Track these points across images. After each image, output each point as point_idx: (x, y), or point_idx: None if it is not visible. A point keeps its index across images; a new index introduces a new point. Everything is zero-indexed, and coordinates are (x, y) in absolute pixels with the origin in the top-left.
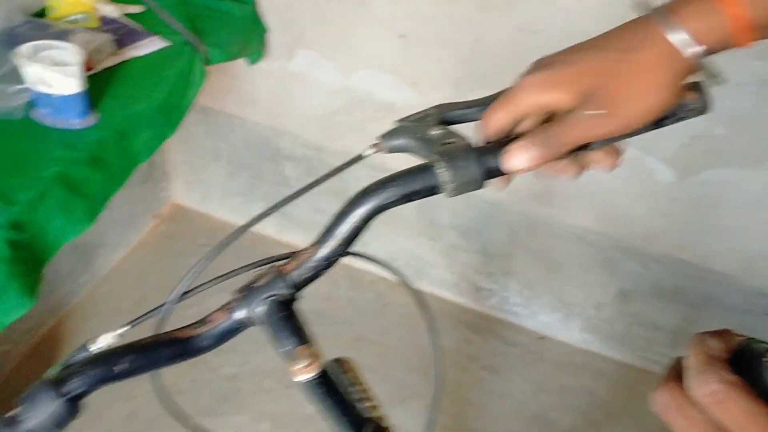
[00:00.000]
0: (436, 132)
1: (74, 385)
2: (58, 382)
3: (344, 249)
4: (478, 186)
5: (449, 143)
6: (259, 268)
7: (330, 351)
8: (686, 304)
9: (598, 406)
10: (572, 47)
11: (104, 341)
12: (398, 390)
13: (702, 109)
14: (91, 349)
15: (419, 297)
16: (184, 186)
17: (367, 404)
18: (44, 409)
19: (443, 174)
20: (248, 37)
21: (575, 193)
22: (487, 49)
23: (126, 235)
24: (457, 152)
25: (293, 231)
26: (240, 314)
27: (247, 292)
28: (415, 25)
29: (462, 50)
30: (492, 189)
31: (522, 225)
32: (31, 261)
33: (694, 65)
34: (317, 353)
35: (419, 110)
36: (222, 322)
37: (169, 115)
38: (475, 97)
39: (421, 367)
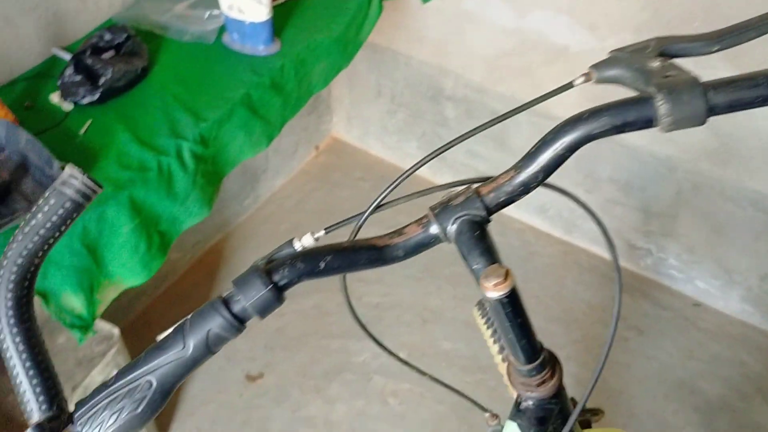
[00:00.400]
0: (655, 64)
1: (283, 275)
2: (269, 271)
3: (544, 177)
4: (701, 122)
5: (671, 76)
6: (455, 189)
7: (473, 295)
8: None
9: (750, 380)
10: None
11: (306, 241)
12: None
13: None
14: (295, 246)
15: (615, 254)
16: (344, 120)
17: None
18: (255, 292)
19: (663, 106)
20: None
21: (759, 153)
22: None
23: (288, 164)
24: (680, 85)
25: (446, 173)
26: (434, 229)
27: (442, 209)
28: None
29: None
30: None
31: (690, 183)
32: (211, 174)
33: None
34: (509, 272)
35: (637, 42)
36: (416, 235)
37: (346, 47)
38: None
39: (562, 318)
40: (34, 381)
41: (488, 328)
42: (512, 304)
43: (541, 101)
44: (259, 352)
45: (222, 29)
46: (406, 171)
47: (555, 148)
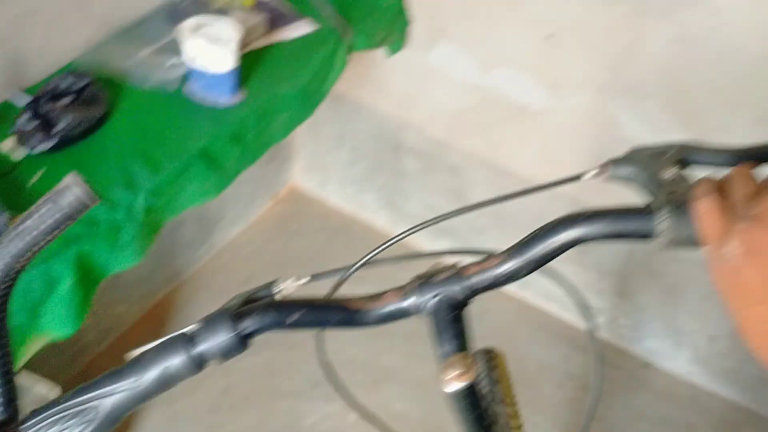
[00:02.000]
0: (670, 172)
1: (250, 323)
2: (236, 316)
3: (531, 270)
4: (697, 246)
5: (679, 191)
6: (436, 258)
7: (427, 354)
8: None
9: None
10: None
11: (289, 286)
12: None
13: None
14: (274, 291)
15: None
16: (304, 170)
17: (508, 409)
18: (218, 337)
19: (662, 224)
20: (392, 26)
21: None
22: (638, 56)
23: (246, 212)
24: (685, 203)
25: (402, 224)
26: (411, 301)
27: (424, 282)
28: (564, 26)
29: (610, 56)
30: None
31: (641, 245)
32: (156, 223)
33: None
34: (471, 365)
35: (661, 143)
36: (392, 303)
37: (309, 98)
38: (617, 110)
39: (515, 377)
40: None
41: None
42: (471, 396)
43: (549, 188)
44: (203, 413)
45: (185, 77)
46: (402, 233)
47: (547, 245)
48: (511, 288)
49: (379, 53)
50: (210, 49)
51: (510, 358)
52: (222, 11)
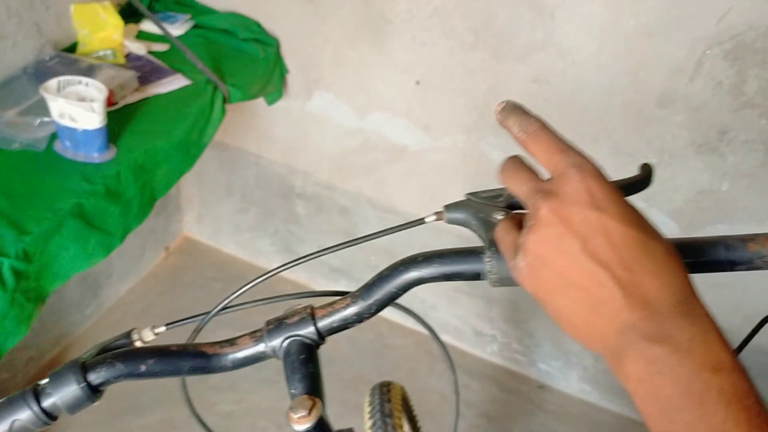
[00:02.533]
0: (499, 216)
1: (99, 374)
2: (85, 367)
3: (377, 310)
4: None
5: None
6: (297, 299)
7: (330, 392)
8: None
9: None
10: None
11: (146, 334)
12: None
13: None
14: (133, 337)
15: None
16: (195, 219)
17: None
18: (67, 388)
19: (489, 263)
20: (269, 77)
21: None
22: (501, 97)
23: (135, 267)
24: None
25: (298, 270)
26: (264, 345)
27: (276, 326)
28: (430, 71)
29: (475, 98)
30: None
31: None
32: (33, 290)
33: None
34: (316, 406)
35: (495, 188)
36: (247, 348)
37: (188, 151)
38: (488, 146)
39: (418, 410)
40: None
41: (369, 418)
42: None
43: (398, 230)
44: None
45: (54, 136)
46: (259, 277)
47: (390, 287)
48: (408, 323)
49: (260, 103)
50: (75, 108)
51: (412, 392)
52: (92, 68)
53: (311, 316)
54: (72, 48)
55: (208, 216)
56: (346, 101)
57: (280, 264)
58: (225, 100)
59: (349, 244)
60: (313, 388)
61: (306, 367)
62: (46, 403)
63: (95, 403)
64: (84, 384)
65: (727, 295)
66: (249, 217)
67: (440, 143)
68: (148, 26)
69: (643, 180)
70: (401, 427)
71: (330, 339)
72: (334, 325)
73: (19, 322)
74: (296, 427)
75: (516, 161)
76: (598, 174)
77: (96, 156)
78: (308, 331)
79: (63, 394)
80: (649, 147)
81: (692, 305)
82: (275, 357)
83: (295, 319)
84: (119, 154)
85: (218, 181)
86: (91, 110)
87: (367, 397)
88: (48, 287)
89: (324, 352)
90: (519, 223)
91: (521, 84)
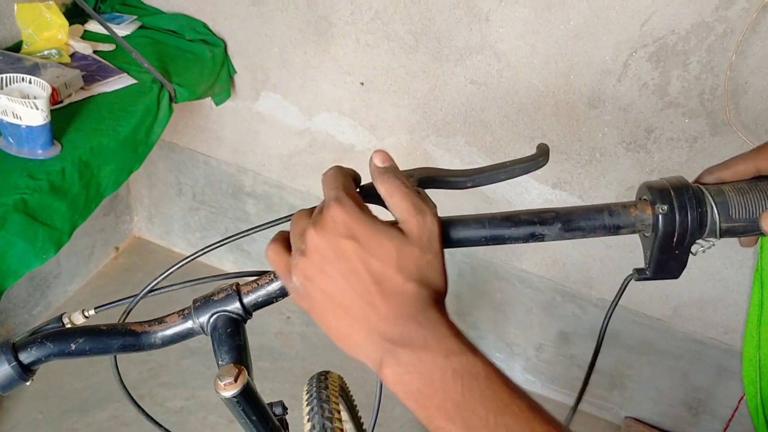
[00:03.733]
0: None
1: (30, 354)
2: (16, 347)
3: None
4: None
5: None
6: (223, 280)
7: (281, 386)
8: (622, 347)
9: None
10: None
11: (76, 318)
12: None
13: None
14: (64, 321)
15: None
16: (146, 220)
17: (328, 415)
18: None
19: None
20: (216, 78)
21: None
22: (442, 98)
23: (84, 266)
24: None
25: (250, 266)
26: (192, 322)
27: (203, 303)
28: (374, 73)
29: (418, 98)
30: None
31: (468, 266)
32: None
33: None
34: (242, 374)
35: (406, 168)
36: (175, 325)
37: (135, 149)
38: (430, 145)
39: (368, 403)
40: None
41: (307, 404)
42: (245, 402)
43: (262, 229)
44: None
45: None
46: (183, 259)
47: None
48: None
49: (208, 103)
50: (19, 104)
51: (360, 383)
52: (36, 66)
53: (236, 292)
54: (17, 47)
55: (159, 216)
56: (293, 102)
57: (235, 267)
58: (171, 99)
59: (245, 233)
60: (240, 358)
61: (233, 340)
62: None
63: (26, 383)
64: (14, 363)
65: (657, 286)
66: (200, 217)
67: (385, 142)
68: (94, 26)
69: (539, 157)
70: (338, 411)
71: (281, 334)
72: (260, 299)
73: None
74: (223, 393)
75: (334, 173)
76: (354, 207)
77: (40, 153)
78: (234, 306)
79: None
80: (582, 145)
81: (426, 312)
82: (203, 333)
83: (221, 295)
84: (64, 150)
85: (168, 181)
86: (33, 107)
87: (305, 386)
88: (2, 286)
89: (275, 347)
90: (287, 243)
91: (460, 85)
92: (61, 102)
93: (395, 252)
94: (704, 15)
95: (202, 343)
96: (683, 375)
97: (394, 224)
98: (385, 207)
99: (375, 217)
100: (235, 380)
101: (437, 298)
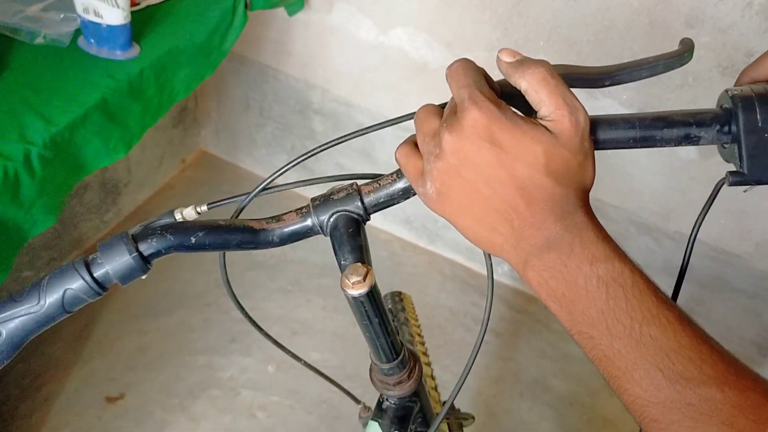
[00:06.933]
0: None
1: (150, 244)
2: (136, 238)
3: None
4: None
5: None
6: (340, 181)
7: (342, 306)
8: (696, 283)
9: (597, 376)
10: None
11: (188, 214)
12: None
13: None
14: (176, 217)
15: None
16: (212, 134)
17: (409, 338)
18: (118, 258)
19: None
20: None
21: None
22: (526, 13)
23: (153, 177)
24: None
25: (314, 185)
26: (311, 220)
27: (322, 202)
28: None
29: (500, 13)
30: None
31: None
32: (62, 180)
33: None
34: (370, 273)
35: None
36: (293, 223)
37: (209, 55)
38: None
39: (425, 324)
40: None
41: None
42: (370, 303)
43: (390, 125)
44: (119, 372)
45: (78, 32)
46: (296, 159)
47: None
48: (420, 242)
49: (280, 14)
50: (100, 2)
51: (422, 306)
52: None
53: (357, 192)
54: None
55: (225, 131)
56: (368, 15)
57: (300, 179)
58: (247, 7)
59: (347, 137)
60: (363, 259)
61: (355, 240)
62: (98, 273)
63: (143, 277)
64: (136, 254)
65: (739, 221)
66: (266, 133)
67: None
68: None
69: (684, 53)
70: (419, 335)
71: None
72: (381, 200)
73: (48, 210)
74: (351, 292)
75: (461, 66)
76: (494, 109)
77: (119, 53)
78: (355, 206)
79: (114, 264)
80: None
81: (573, 216)
82: (321, 233)
83: (342, 195)
84: (142, 52)
85: (236, 95)
86: (115, 5)
87: None
88: (73, 178)
89: (337, 268)
90: (416, 146)
91: (547, 2)
92: (138, 4)
93: (543, 157)
94: None
95: (267, 257)
96: (757, 314)
97: (537, 121)
98: (519, 108)
99: (517, 116)
100: (364, 279)
101: (584, 198)
